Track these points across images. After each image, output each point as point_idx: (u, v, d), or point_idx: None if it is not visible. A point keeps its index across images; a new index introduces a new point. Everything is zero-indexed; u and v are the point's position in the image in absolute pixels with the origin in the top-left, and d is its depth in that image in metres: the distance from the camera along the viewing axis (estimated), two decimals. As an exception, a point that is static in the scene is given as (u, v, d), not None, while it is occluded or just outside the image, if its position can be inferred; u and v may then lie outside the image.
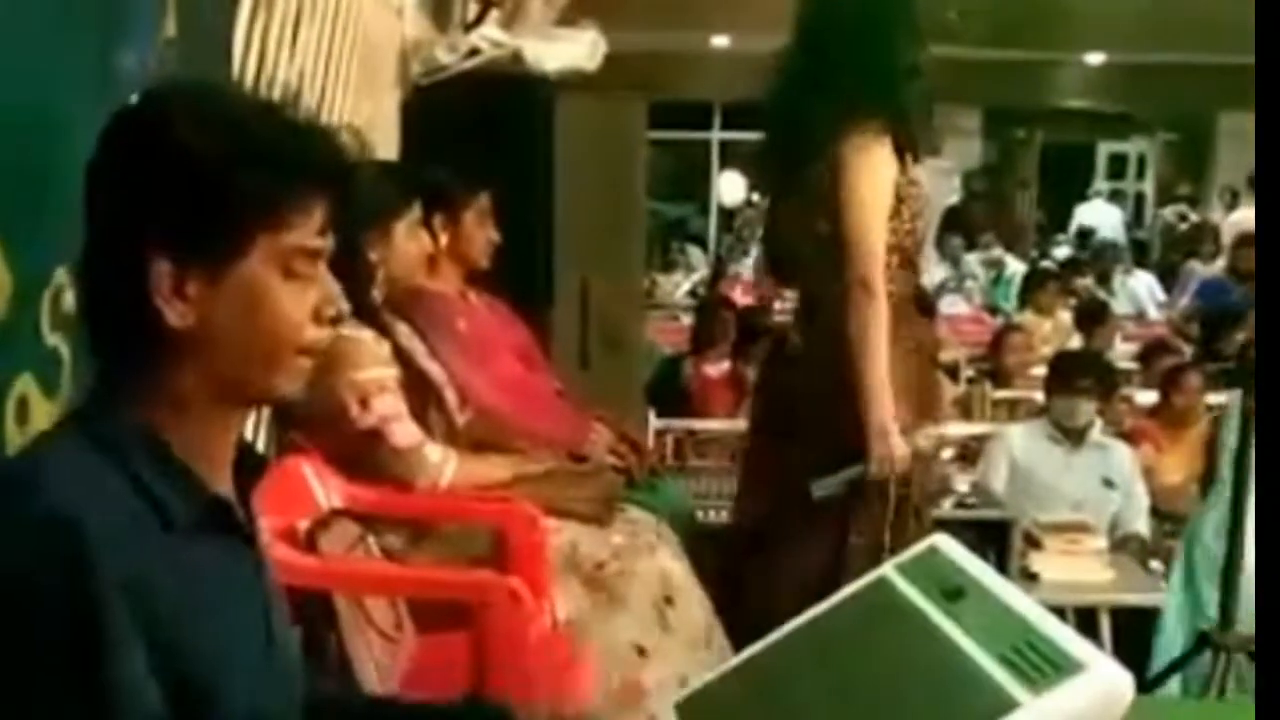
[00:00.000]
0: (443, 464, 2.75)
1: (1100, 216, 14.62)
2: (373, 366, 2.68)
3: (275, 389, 1.30)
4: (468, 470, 2.80)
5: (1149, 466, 4.91)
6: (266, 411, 2.68)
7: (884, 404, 2.99)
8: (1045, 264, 11.00)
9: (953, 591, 1.53)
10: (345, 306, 1.32)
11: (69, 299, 1.66)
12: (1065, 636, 1.37)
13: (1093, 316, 7.55)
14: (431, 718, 1.61)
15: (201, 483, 1.26)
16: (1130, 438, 5.07)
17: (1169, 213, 14.64)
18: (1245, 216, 10.12)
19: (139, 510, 1.20)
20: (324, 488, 2.62)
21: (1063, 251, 13.09)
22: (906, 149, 3.05)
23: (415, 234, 2.97)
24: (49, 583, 1.12)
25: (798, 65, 3.12)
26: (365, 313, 2.71)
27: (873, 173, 2.99)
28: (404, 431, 2.71)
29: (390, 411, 2.69)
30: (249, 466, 1.35)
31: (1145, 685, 3.43)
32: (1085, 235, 13.26)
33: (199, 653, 1.19)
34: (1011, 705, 1.30)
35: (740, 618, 2.83)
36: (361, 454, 2.67)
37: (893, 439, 2.99)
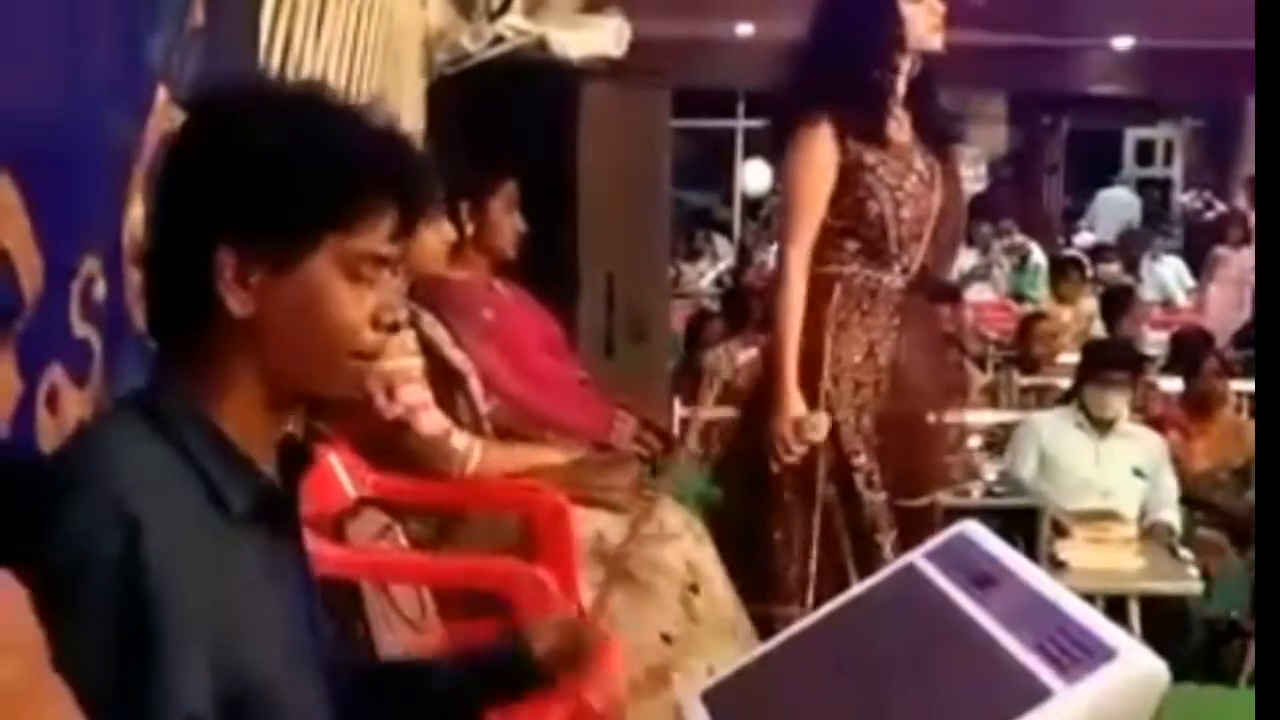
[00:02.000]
0: (469, 452, 2.75)
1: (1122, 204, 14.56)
2: (398, 356, 2.68)
3: (328, 388, 1.31)
4: (494, 458, 2.80)
5: (1176, 454, 4.87)
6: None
7: (783, 380, 3.06)
8: (1071, 251, 10.95)
9: (982, 579, 1.52)
10: (404, 315, 1.33)
11: (99, 289, 1.66)
12: (1098, 624, 1.36)
13: (1118, 303, 7.51)
14: (462, 666, 1.60)
15: (256, 469, 1.27)
16: (1158, 425, 5.04)
17: (1190, 199, 14.56)
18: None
19: (196, 495, 1.21)
20: (351, 477, 2.62)
21: (1087, 238, 13.02)
22: (847, 132, 3.08)
23: (434, 225, 2.92)
24: (103, 575, 1.12)
25: (791, 49, 3.26)
26: None
27: (796, 154, 3.11)
28: (430, 420, 2.71)
29: (416, 400, 2.69)
30: (295, 463, 1.35)
31: (1176, 673, 3.42)
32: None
33: (246, 641, 1.20)
34: (1045, 693, 1.29)
35: None
36: (388, 443, 2.68)
37: (785, 417, 3.05)
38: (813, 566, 3.09)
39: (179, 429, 1.23)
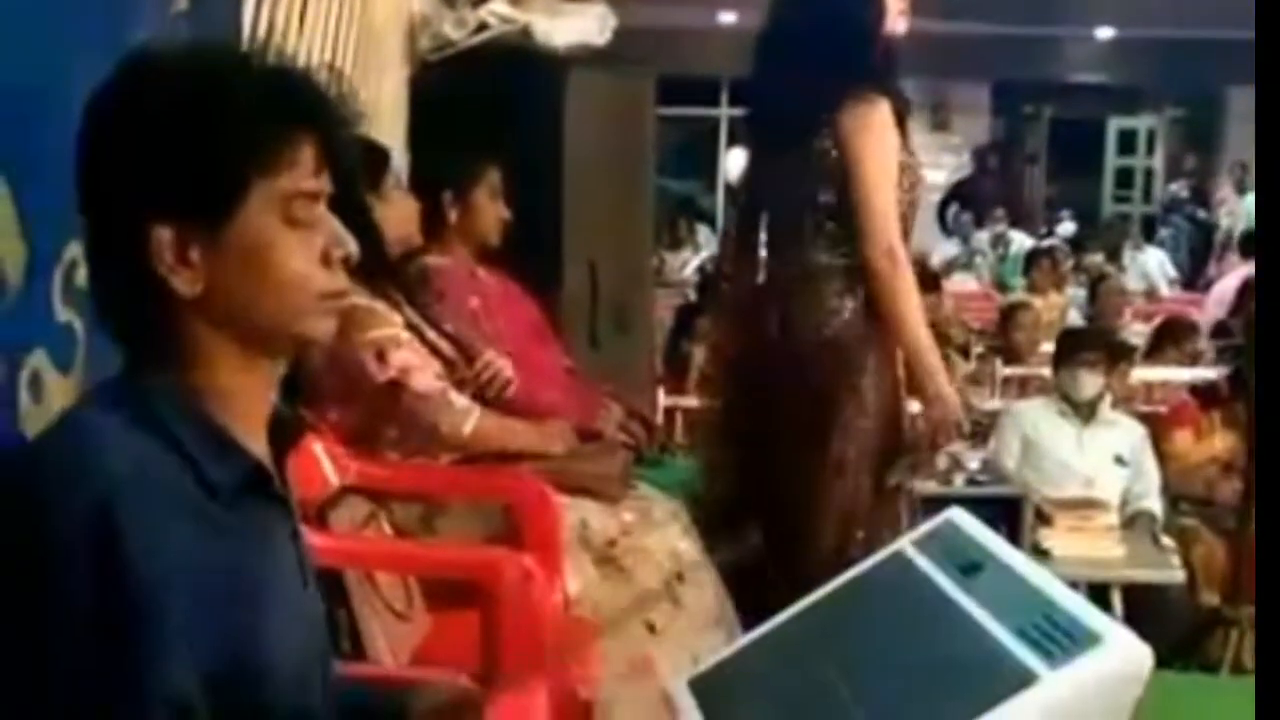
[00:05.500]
0: (468, 411, 2.74)
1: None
2: (382, 326, 2.68)
3: (303, 336, 1.27)
4: (490, 425, 2.79)
5: (1185, 450, 4.85)
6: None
7: (937, 368, 3.00)
8: (1052, 241, 10.98)
9: (969, 566, 1.53)
10: (354, 248, 1.28)
11: (83, 274, 1.65)
12: (1083, 610, 1.37)
13: (1092, 288, 7.54)
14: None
15: (240, 446, 1.25)
16: (1169, 420, 5.02)
17: (1174, 188, 14.62)
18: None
19: (178, 478, 1.19)
20: (334, 465, 2.61)
21: (1069, 227, 13.05)
22: (901, 114, 3.05)
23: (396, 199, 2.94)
24: (82, 562, 1.10)
25: (782, 37, 3.12)
26: (377, 287, 2.71)
27: (881, 139, 2.98)
28: (425, 379, 2.69)
29: (408, 363, 2.68)
30: (283, 432, 1.34)
31: (1158, 661, 3.43)
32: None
33: (239, 621, 1.19)
34: (1030, 679, 1.29)
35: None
36: (383, 410, 2.66)
37: (951, 402, 3.00)
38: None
39: (157, 411, 1.21)
